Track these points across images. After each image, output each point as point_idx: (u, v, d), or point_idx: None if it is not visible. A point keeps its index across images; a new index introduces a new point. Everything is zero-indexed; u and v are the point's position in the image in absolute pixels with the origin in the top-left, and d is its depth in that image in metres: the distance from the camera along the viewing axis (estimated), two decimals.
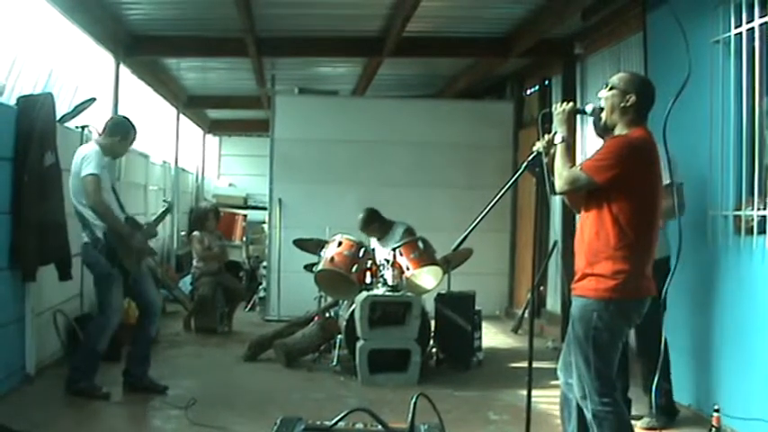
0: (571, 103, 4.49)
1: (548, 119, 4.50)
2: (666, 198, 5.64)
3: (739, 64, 5.74)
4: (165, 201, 7.61)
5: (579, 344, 4.24)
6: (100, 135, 6.84)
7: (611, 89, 4.34)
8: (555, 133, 4.43)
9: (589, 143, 8.85)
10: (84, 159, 6.35)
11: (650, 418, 5.87)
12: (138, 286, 6.70)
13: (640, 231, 4.18)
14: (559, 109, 4.45)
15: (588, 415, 4.23)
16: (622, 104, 4.28)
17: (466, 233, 4.62)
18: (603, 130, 4.48)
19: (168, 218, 13.56)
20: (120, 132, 6.66)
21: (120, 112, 9.14)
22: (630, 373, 6.02)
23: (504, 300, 11.96)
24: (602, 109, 4.41)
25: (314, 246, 8.57)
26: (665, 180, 5.62)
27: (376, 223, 8.76)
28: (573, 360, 4.31)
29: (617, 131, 4.32)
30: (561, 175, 4.27)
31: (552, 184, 4.37)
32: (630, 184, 4.14)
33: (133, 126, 6.77)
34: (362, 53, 10.80)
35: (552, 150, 4.42)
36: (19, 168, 6.47)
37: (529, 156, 4.52)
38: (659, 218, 4.36)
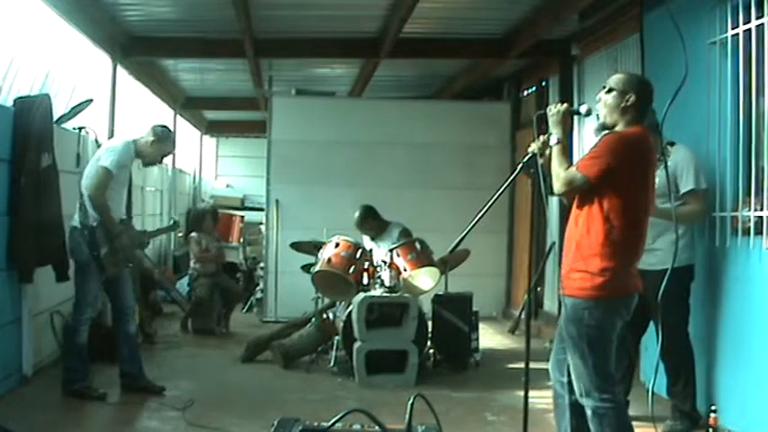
0: (566, 104, 4.49)
1: (543, 120, 4.50)
2: (696, 203, 5.68)
3: (736, 65, 5.75)
4: (173, 218, 7.57)
5: (574, 343, 4.27)
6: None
7: (609, 91, 4.36)
8: (550, 135, 4.43)
9: (587, 144, 8.85)
10: (109, 150, 6.43)
11: (673, 421, 5.81)
12: (113, 288, 6.68)
13: (629, 228, 4.22)
14: (554, 110, 4.45)
15: (588, 412, 4.25)
16: (622, 104, 4.30)
17: (462, 235, 4.64)
18: (601, 131, 4.49)
19: (165, 221, 13.59)
20: (154, 133, 6.64)
21: (118, 114, 9.17)
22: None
23: (501, 301, 11.95)
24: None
25: (311, 247, 8.57)
26: (690, 186, 5.65)
27: (371, 220, 8.74)
28: (570, 360, 4.33)
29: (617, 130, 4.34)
30: (558, 177, 4.29)
31: (549, 185, 4.39)
32: (621, 178, 4.16)
33: (171, 135, 6.79)
34: (360, 54, 10.82)
35: (548, 152, 4.43)
36: (16, 170, 6.46)
37: (524, 157, 4.53)
38: (648, 216, 4.39)
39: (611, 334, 4.26)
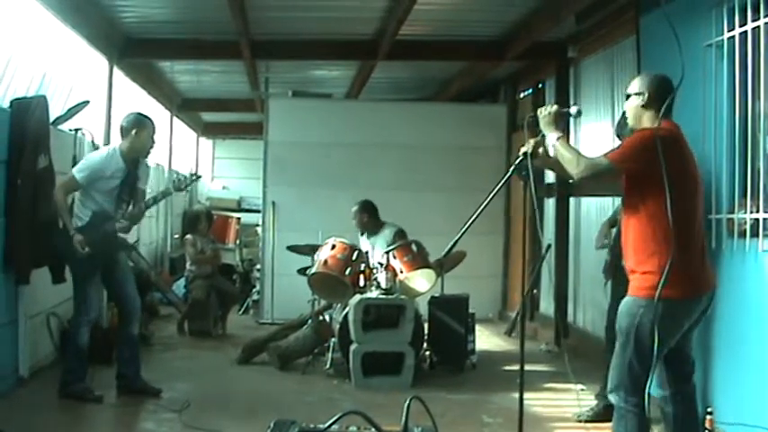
0: (556, 106, 4.55)
1: (535, 123, 4.54)
2: None
3: (732, 67, 5.75)
4: (167, 187, 7.26)
5: (621, 334, 4.30)
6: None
7: (627, 98, 4.45)
8: (542, 136, 4.47)
9: (582, 145, 8.84)
10: (87, 159, 6.53)
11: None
12: (116, 287, 6.70)
13: (681, 224, 4.15)
14: (545, 112, 4.50)
15: (614, 404, 4.34)
16: (641, 105, 4.37)
17: (456, 239, 4.66)
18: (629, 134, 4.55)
19: (162, 223, 13.60)
20: (133, 126, 6.55)
21: (115, 115, 9.15)
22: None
23: (497, 303, 11.95)
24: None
25: (308, 250, 8.55)
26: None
27: (367, 215, 8.73)
28: (614, 354, 4.37)
29: None
30: (579, 163, 4.26)
31: (538, 188, 4.44)
32: (659, 176, 4.11)
33: (146, 117, 6.67)
34: (356, 56, 10.83)
35: (540, 150, 4.49)
36: (12, 171, 6.47)
37: (516, 159, 4.55)
38: (700, 209, 4.40)
39: (660, 339, 4.11)
